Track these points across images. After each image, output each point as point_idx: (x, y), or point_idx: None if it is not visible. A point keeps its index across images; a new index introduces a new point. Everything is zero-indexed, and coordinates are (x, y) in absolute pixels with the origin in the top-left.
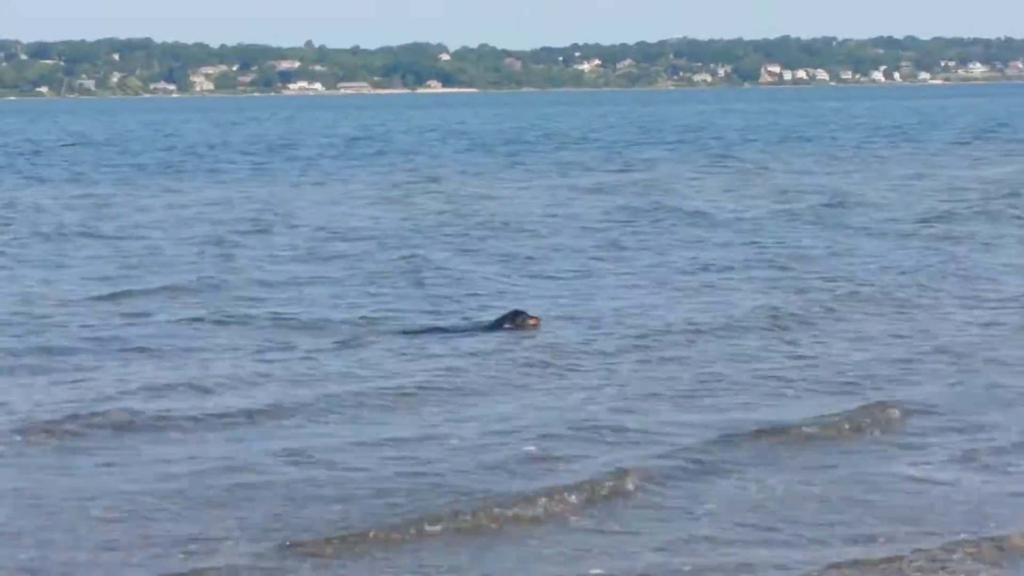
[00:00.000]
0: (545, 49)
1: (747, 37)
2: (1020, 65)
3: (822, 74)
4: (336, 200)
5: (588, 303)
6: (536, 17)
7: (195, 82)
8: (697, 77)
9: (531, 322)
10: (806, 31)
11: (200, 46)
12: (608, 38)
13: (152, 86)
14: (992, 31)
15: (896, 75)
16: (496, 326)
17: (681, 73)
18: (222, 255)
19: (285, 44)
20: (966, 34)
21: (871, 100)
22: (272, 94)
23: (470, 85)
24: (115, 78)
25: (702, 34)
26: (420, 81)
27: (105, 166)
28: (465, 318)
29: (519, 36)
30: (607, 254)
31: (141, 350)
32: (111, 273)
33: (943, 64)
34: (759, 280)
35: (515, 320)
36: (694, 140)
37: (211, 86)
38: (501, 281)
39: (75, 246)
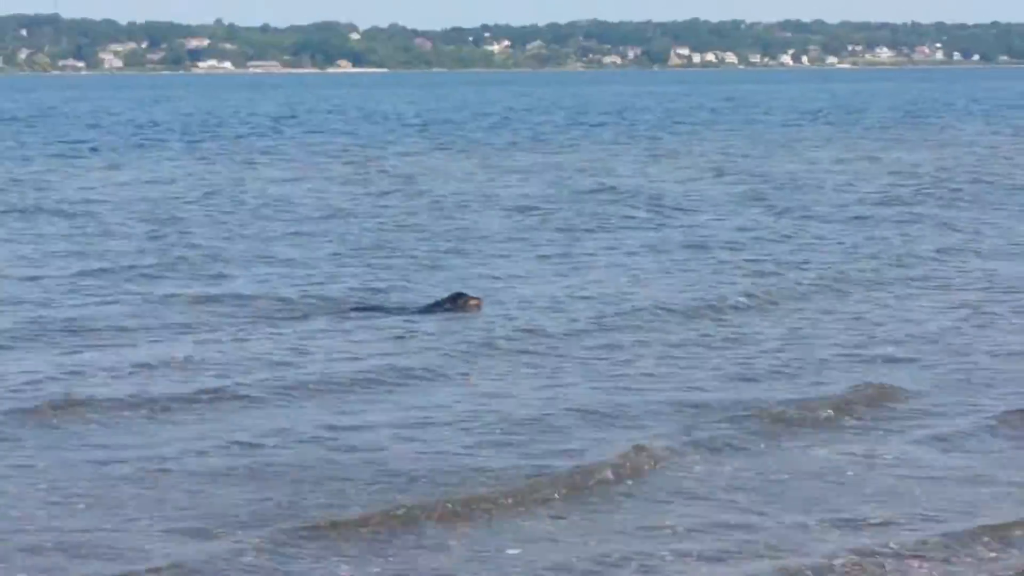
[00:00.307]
0: (455, 29)
1: (656, 19)
2: (926, 50)
3: (731, 57)
4: (280, 179)
5: (536, 285)
6: None
7: (104, 59)
8: (607, 59)
9: (472, 303)
10: (715, 14)
11: (109, 23)
12: (518, 19)
13: (60, 63)
14: (899, 16)
15: (804, 59)
16: (437, 307)
17: (591, 55)
18: (176, 232)
19: (194, 22)
20: (873, 19)
21: (796, 83)
22: (181, 72)
23: (380, 65)
24: (23, 54)
25: (612, 16)
26: (330, 61)
27: (42, 143)
28: (400, 300)
29: (429, 16)
30: (559, 236)
31: (122, 330)
32: (75, 250)
33: (850, 48)
34: (711, 263)
35: (456, 301)
36: (625, 121)
37: (120, 63)
38: (440, 260)
39: (27, 224)
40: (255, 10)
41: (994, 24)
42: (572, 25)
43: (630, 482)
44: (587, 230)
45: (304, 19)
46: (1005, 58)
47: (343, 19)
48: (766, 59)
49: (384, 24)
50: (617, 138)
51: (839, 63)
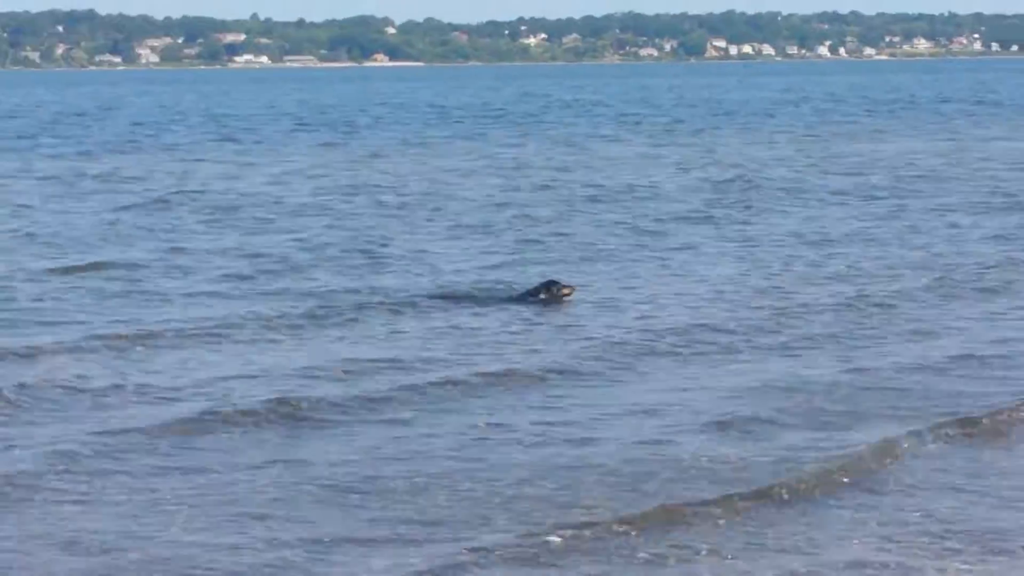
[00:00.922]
0: (491, 23)
1: (692, 11)
2: (963, 41)
3: (768, 49)
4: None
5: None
6: None
7: (140, 54)
8: (643, 52)
9: (565, 292)
10: (751, 6)
11: (144, 18)
12: (554, 12)
13: (97, 58)
14: (936, 7)
15: (842, 50)
16: (531, 295)
17: (627, 48)
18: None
19: (230, 16)
20: (910, 10)
21: (890, 73)
22: (218, 67)
23: (417, 59)
24: (60, 50)
25: (647, 9)
26: (366, 55)
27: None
28: (483, 288)
29: (465, 10)
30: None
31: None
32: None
33: (888, 40)
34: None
35: (550, 290)
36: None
37: (156, 59)
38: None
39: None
40: (291, 5)
41: None
42: (608, 18)
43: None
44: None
45: (340, 13)
46: None
47: (379, 13)
48: (803, 51)
49: (420, 18)
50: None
51: (877, 54)
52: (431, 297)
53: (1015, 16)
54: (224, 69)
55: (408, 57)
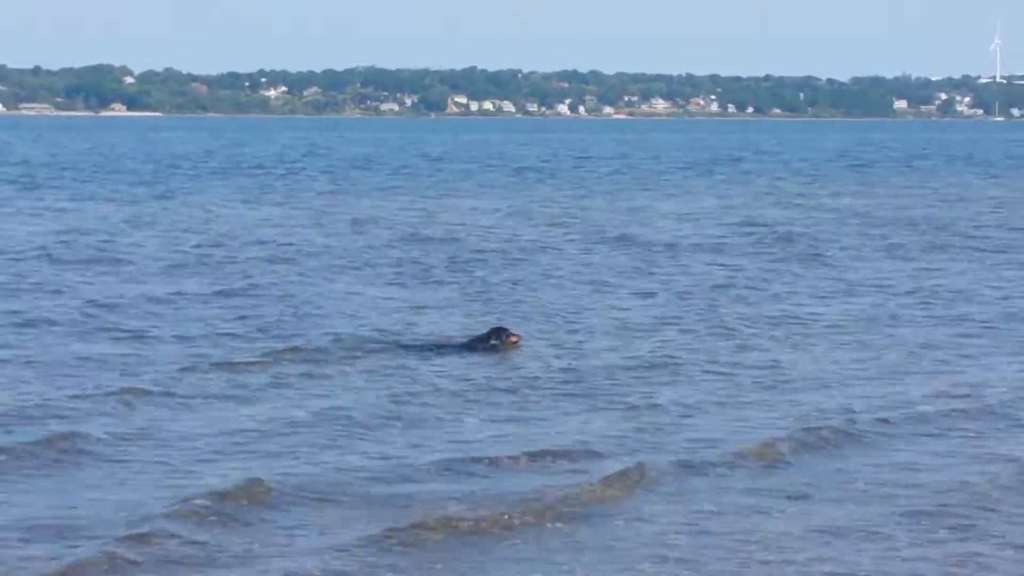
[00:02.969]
0: (231, 74)
1: (434, 68)
2: (701, 102)
3: (508, 106)
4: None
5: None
6: (222, 42)
7: None
8: (384, 106)
9: (512, 340)
10: (492, 63)
11: None
12: (295, 65)
13: None
14: (674, 68)
15: (581, 108)
16: (478, 343)
17: (368, 102)
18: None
19: None
20: (649, 70)
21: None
22: None
23: (155, 109)
24: None
25: (389, 64)
26: (104, 103)
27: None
28: (427, 335)
29: (205, 60)
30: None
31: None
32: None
33: (626, 99)
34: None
35: (499, 337)
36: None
37: None
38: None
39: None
40: (26, 52)
41: (767, 77)
42: (350, 72)
43: None
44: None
45: (77, 61)
46: (777, 111)
47: (116, 62)
48: (543, 108)
49: (159, 68)
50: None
51: (615, 113)
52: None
53: (750, 79)
54: None
55: (147, 107)
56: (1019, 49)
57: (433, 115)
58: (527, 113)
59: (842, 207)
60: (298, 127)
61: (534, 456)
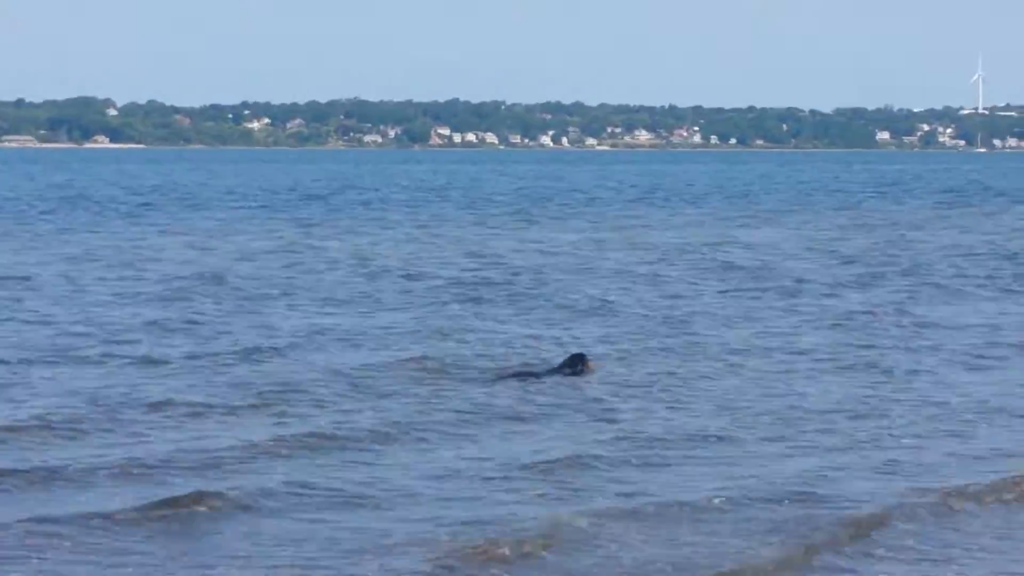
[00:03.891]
0: (214, 106)
1: (417, 99)
2: (684, 133)
3: (491, 137)
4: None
5: None
6: (205, 74)
7: None
8: (368, 138)
9: (590, 365)
10: (475, 95)
11: None
12: (278, 97)
13: None
14: (657, 100)
15: (564, 140)
16: (561, 369)
17: (351, 134)
18: None
19: None
20: (632, 102)
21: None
22: None
23: (138, 141)
24: None
25: (372, 96)
26: (87, 136)
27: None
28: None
29: (188, 92)
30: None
31: None
32: None
33: (609, 131)
34: None
35: (583, 362)
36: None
37: None
38: None
39: None
40: (8, 84)
41: (750, 108)
42: (333, 104)
43: None
44: None
45: (60, 94)
46: (760, 142)
47: (100, 95)
48: (526, 140)
49: (142, 100)
50: None
51: (598, 144)
52: None
53: (733, 110)
54: None
55: (130, 139)
56: (1000, 81)
57: (416, 146)
58: (510, 145)
59: None
60: (313, 158)
61: None
